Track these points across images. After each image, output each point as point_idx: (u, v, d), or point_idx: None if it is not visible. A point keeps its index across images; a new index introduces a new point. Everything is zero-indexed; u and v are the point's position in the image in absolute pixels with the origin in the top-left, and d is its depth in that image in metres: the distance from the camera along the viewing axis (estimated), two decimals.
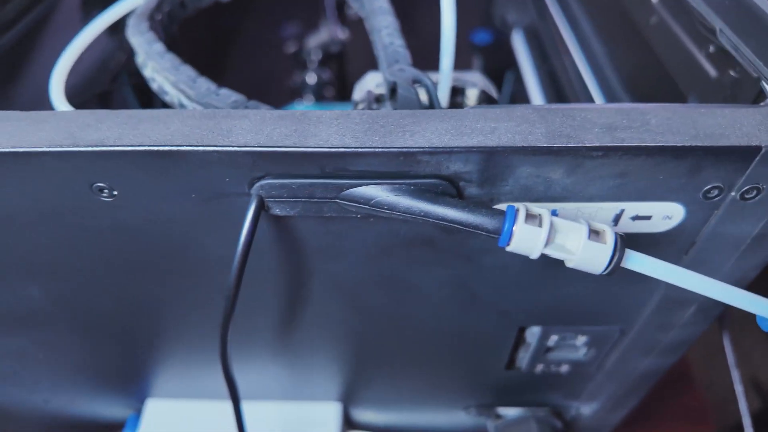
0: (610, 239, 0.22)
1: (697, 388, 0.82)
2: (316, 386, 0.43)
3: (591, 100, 0.50)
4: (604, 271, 0.22)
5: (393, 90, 0.34)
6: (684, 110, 0.25)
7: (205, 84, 0.32)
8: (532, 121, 0.24)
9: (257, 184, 0.24)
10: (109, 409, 0.47)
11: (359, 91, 0.40)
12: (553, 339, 0.35)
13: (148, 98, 0.61)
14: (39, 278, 0.31)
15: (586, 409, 0.45)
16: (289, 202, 0.25)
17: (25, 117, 0.25)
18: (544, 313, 0.33)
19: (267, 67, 1.03)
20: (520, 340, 0.36)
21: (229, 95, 0.31)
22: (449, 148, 0.22)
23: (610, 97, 0.49)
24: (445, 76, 0.40)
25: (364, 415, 0.47)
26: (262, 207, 0.25)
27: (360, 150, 0.23)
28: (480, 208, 0.23)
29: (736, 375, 0.38)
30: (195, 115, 0.24)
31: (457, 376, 0.41)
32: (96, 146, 0.23)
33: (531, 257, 0.23)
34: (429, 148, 0.22)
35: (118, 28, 0.44)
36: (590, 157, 0.23)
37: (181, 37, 0.54)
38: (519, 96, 0.72)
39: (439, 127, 0.24)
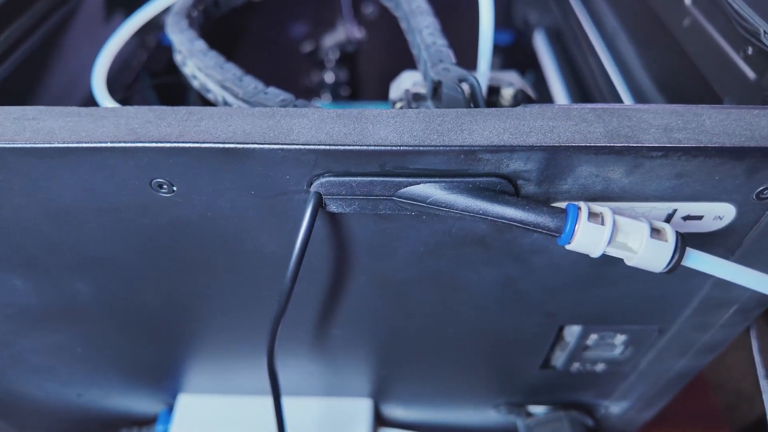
0: (671, 237, 0.22)
1: (706, 390, 0.83)
2: (348, 383, 0.44)
3: (620, 101, 0.50)
4: (664, 269, 0.23)
5: (435, 89, 0.34)
6: (737, 112, 0.25)
7: (252, 83, 0.32)
8: (590, 121, 0.24)
9: (317, 182, 0.24)
10: (141, 403, 0.47)
11: (396, 90, 0.40)
12: (593, 338, 0.35)
13: (169, 99, 0.61)
14: (88, 273, 0.31)
15: (615, 408, 0.45)
16: (346, 200, 0.25)
17: (85, 113, 0.25)
18: (586, 312, 0.33)
19: (276, 66, 1.03)
20: (557, 339, 0.36)
21: (277, 94, 0.31)
22: (511, 146, 0.23)
23: (640, 98, 0.49)
24: (482, 76, 0.40)
25: (395, 411, 0.47)
26: (320, 204, 0.25)
27: (422, 148, 0.23)
28: (541, 206, 0.23)
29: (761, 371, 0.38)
30: (254, 113, 0.24)
31: (490, 374, 0.42)
32: (158, 142, 0.23)
33: (592, 256, 0.23)
34: (491, 146, 0.23)
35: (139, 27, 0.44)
36: (650, 157, 0.23)
37: None
38: (541, 97, 0.72)
39: (498, 125, 0.24)
